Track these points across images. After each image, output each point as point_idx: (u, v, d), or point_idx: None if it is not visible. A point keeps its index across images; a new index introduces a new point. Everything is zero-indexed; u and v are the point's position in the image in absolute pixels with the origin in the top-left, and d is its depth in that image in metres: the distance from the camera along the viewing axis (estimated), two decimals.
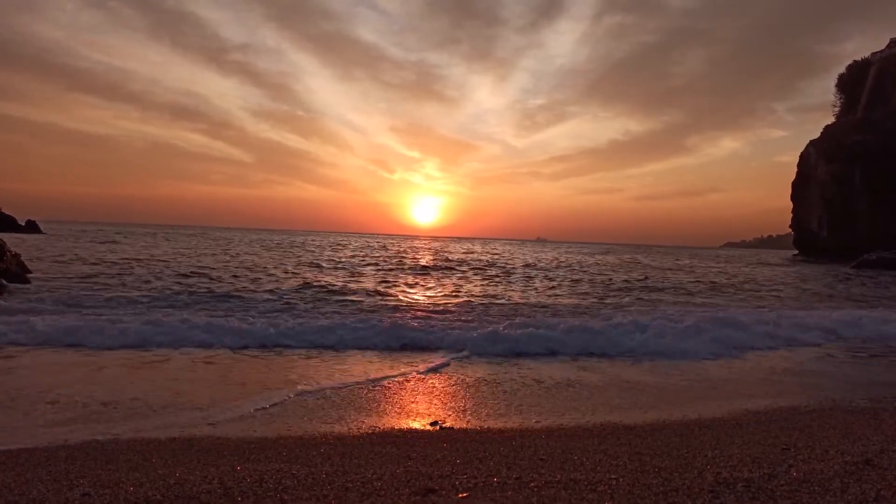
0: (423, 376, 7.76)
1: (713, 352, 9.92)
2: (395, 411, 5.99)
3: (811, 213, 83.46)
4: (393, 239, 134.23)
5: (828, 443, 4.79)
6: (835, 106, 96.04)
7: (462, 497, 3.51)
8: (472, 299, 18.01)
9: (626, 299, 19.57)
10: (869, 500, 3.51)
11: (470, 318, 13.41)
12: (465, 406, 6.22)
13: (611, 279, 28.48)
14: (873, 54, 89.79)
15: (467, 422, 5.55)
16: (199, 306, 13.79)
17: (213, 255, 35.87)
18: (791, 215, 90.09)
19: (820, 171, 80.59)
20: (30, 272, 17.36)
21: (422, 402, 6.41)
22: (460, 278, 26.66)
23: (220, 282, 19.77)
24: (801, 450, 4.58)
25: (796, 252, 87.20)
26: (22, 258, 17.54)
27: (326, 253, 45.77)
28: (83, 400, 6.02)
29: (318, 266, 30.04)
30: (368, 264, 33.16)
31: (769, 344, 10.99)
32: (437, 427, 5.31)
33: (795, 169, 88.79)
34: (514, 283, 25.33)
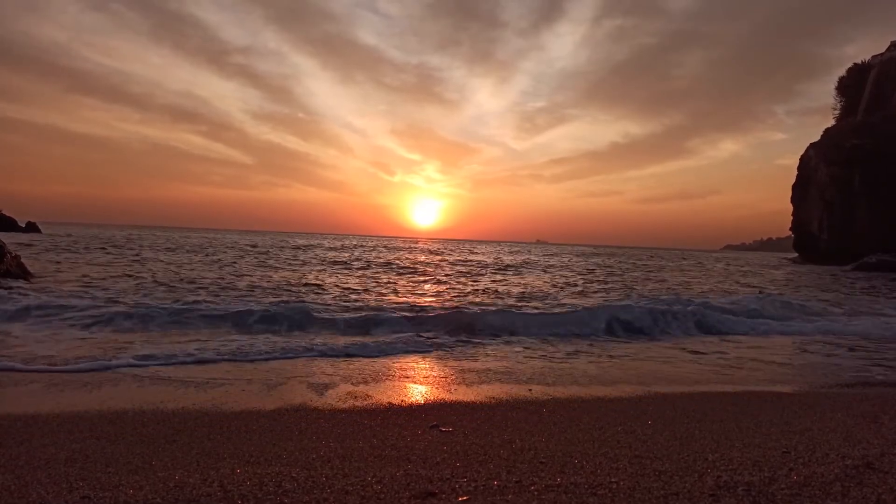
0: (423, 378, 7.76)
1: None
2: (395, 413, 5.98)
3: (811, 215, 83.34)
4: (409, 242, 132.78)
5: (828, 446, 4.79)
6: (835, 109, 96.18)
7: (462, 500, 3.51)
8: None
9: None
10: (870, 503, 3.51)
11: None
12: (465, 408, 6.21)
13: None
14: (874, 57, 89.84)
15: (467, 424, 5.54)
16: None
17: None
18: (791, 218, 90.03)
19: (820, 173, 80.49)
20: (32, 275, 17.34)
21: (422, 405, 6.41)
22: None
23: None
24: (802, 453, 4.58)
25: (797, 255, 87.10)
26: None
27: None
28: None
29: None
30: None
31: None
32: (437, 430, 5.30)
33: (795, 171, 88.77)
34: None
